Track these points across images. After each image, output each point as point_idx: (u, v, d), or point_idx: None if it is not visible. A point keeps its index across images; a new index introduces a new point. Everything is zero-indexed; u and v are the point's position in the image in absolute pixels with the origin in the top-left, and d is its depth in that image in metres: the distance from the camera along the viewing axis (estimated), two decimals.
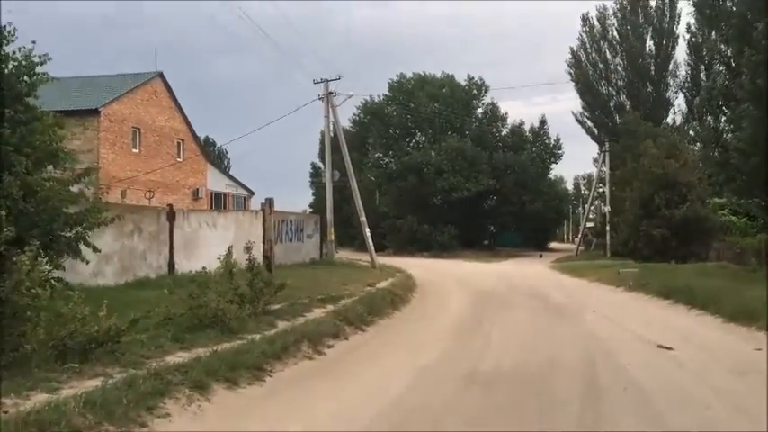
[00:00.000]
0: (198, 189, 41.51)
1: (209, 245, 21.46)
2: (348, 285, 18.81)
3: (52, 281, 9.08)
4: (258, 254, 25.28)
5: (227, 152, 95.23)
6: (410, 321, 14.79)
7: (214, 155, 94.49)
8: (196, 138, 42.13)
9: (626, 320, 14.37)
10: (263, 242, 25.96)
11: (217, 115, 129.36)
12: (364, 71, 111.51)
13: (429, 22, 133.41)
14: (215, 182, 45.37)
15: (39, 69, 11.09)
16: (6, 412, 5.70)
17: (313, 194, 71.89)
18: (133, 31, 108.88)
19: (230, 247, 12.12)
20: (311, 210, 61.44)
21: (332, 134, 31.43)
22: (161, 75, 38.61)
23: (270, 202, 17.29)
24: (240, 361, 8.28)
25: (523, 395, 8.02)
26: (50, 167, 11.78)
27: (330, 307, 14.06)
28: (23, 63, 10.88)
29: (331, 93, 30.80)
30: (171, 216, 19.57)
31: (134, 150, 35.98)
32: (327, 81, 30.96)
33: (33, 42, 11.11)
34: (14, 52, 10.94)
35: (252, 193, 51.94)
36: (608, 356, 10.48)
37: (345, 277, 21.40)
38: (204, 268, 20.14)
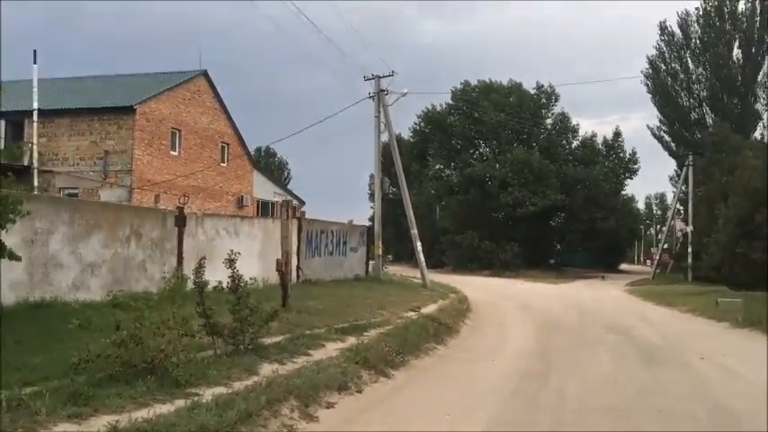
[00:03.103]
0: (243, 197, 38.96)
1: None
2: (385, 309, 15.45)
3: None
4: (291, 270, 22.66)
5: (287, 163, 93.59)
6: (454, 363, 11.27)
7: (274, 165, 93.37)
8: (242, 142, 39.57)
9: (753, 374, 10.37)
10: (297, 253, 23.12)
11: (283, 129, 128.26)
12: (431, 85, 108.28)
13: (495, 40, 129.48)
14: (262, 190, 42.78)
15: None
16: None
17: (372, 207, 69.00)
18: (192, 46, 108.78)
19: (202, 260, 8.92)
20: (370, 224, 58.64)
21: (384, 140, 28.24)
22: (205, 73, 36.30)
23: (288, 204, 14.17)
24: None
25: None
26: None
27: (350, 341, 10.74)
28: None
29: (383, 90, 27.63)
30: (180, 220, 16.59)
31: (173, 152, 33.62)
32: (379, 77, 27.82)
33: None
34: None
35: (303, 203, 49.25)
36: None
37: (386, 298, 18.04)
38: (220, 283, 17.74)
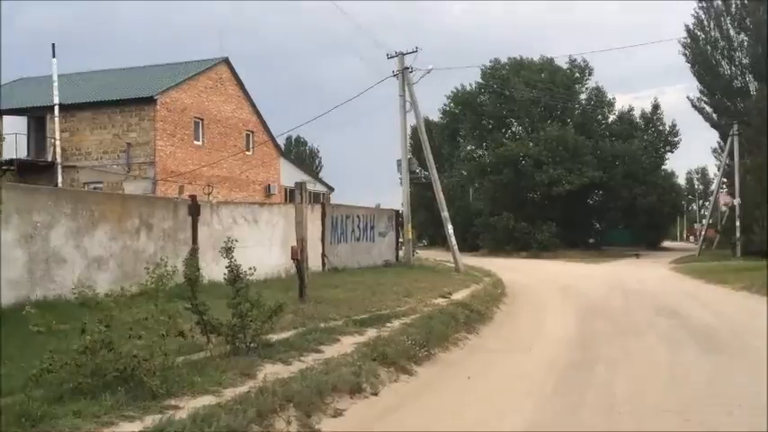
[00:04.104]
0: (270, 185, 38.15)
1: (248, 245, 17.58)
2: (413, 297, 14.36)
3: None
4: (316, 258, 21.67)
5: (318, 151, 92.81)
6: (486, 355, 10.11)
7: (306, 154, 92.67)
8: (268, 130, 38.67)
9: None
10: (321, 240, 22.11)
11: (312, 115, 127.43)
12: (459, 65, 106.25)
13: (525, 17, 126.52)
14: (290, 177, 41.83)
15: None
16: None
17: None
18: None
19: (194, 248, 7.92)
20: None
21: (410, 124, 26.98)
22: (226, 60, 35.45)
23: (302, 186, 13.11)
24: None
25: None
26: None
27: (370, 333, 9.68)
28: None
29: (407, 68, 26.37)
30: (194, 209, 15.70)
31: (196, 143, 32.91)
32: (403, 54, 26.56)
33: None
34: None
35: (332, 189, 48.35)
36: None
37: (416, 285, 16.95)
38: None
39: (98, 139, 31.14)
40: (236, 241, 8.38)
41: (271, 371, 7.06)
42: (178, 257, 14.67)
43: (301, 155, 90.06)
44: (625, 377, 8.38)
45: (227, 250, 7.90)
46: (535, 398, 7.38)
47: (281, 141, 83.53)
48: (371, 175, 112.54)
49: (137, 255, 14.10)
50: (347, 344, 8.85)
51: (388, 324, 10.56)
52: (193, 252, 7.77)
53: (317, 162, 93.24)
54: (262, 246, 18.10)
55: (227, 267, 7.90)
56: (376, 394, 7.25)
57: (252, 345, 7.74)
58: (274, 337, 8.51)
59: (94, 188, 29.57)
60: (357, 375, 7.27)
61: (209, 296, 11.20)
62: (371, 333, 9.70)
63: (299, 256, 12.21)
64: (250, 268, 8.01)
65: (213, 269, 16.57)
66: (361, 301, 12.78)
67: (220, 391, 6.14)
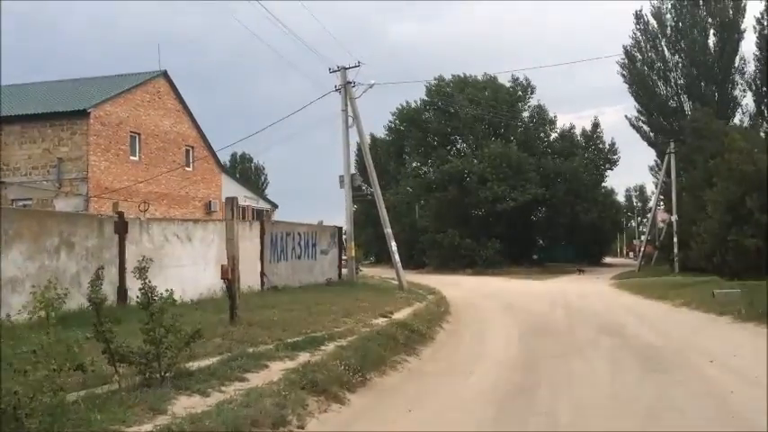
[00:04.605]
0: (210, 201, 37.08)
1: (181, 264, 16.80)
2: (352, 317, 13.82)
3: None
4: (254, 277, 20.91)
5: (263, 168, 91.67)
6: (425, 380, 9.61)
7: (251, 171, 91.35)
8: (209, 144, 37.68)
9: None
10: (260, 258, 21.36)
11: (257, 135, 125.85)
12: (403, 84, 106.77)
13: (465, 40, 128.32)
14: (232, 194, 40.74)
15: None
16: None
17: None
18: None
19: (100, 269, 7.22)
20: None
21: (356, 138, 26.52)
22: (165, 73, 34.43)
23: (233, 201, 12.48)
24: None
25: None
26: None
27: (302, 357, 9.09)
28: None
29: (349, 82, 25.97)
30: (121, 226, 14.85)
31: (132, 158, 31.74)
32: (345, 69, 26.17)
33: None
34: None
35: (275, 207, 47.53)
36: None
37: (356, 304, 16.38)
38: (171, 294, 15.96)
39: (27, 154, 29.70)
40: (152, 261, 7.69)
41: (185, 404, 6.42)
42: (104, 278, 13.82)
43: (246, 171, 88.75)
44: (568, 402, 8.00)
45: (141, 270, 7.21)
46: (473, 427, 6.91)
47: (226, 157, 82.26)
48: (319, 192, 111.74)
49: (56, 275, 13.14)
50: (275, 370, 8.26)
51: (323, 347, 9.99)
52: (98, 273, 6.98)
53: (262, 179, 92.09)
54: (196, 265, 17.32)
55: (140, 290, 7.21)
56: (302, 427, 6.67)
57: (167, 375, 7.06)
58: (195, 365, 7.85)
59: (24, 205, 28.15)
60: (281, 407, 6.68)
61: (137, 320, 10.51)
62: (304, 357, 9.12)
63: (229, 275, 11.53)
64: (166, 290, 7.34)
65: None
66: (296, 323, 12.16)
67: (122, 430, 5.48)
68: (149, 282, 7.22)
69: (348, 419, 7.20)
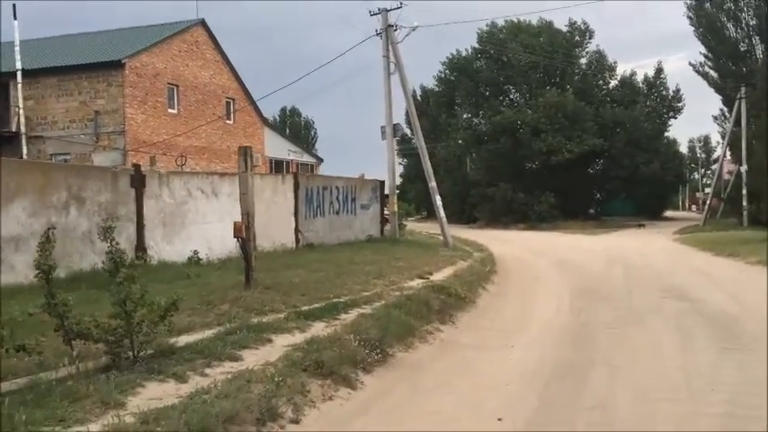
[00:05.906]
0: (252, 155, 36.04)
1: (206, 221, 15.75)
2: (384, 278, 12.51)
3: None
4: (287, 234, 19.79)
5: (313, 122, 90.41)
6: (457, 355, 8.25)
7: (300, 125, 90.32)
8: (250, 97, 36.54)
9: None
10: (294, 214, 20.22)
11: (308, 89, 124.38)
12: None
13: None
14: (275, 148, 39.90)
15: None
16: None
17: (400, 164, 65.29)
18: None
19: (49, 230, 5.97)
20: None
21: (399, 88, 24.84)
22: (203, 22, 33.27)
23: (248, 151, 11.25)
24: None
25: None
26: None
27: (315, 328, 7.87)
28: None
29: (391, 26, 24.25)
30: (138, 180, 13.82)
31: (171, 110, 30.92)
32: (387, 11, 24.44)
33: None
34: None
35: (320, 160, 46.43)
36: None
37: (393, 263, 15.09)
38: (196, 253, 14.93)
39: (64, 107, 29.15)
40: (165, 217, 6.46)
41: (152, 394, 5.25)
42: (120, 235, 12.83)
43: (296, 126, 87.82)
44: (625, 386, 6.56)
45: (106, 230, 5.98)
46: (509, 421, 5.56)
47: (275, 111, 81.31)
48: (367, 146, 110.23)
49: (65, 233, 12.23)
50: (279, 345, 7.06)
51: (343, 315, 8.74)
52: (48, 234, 5.77)
53: (312, 133, 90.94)
54: (223, 222, 16.18)
55: (106, 253, 6.01)
56: (297, 422, 5.42)
57: (141, 354, 5.91)
58: (184, 340, 6.70)
59: (64, 160, 27.72)
60: (274, 395, 5.45)
61: (153, 280, 9.45)
62: (317, 328, 7.90)
63: (243, 234, 10.34)
64: (192, 251, 6.11)
65: (164, 249, 14.83)
66: (320, 286, 10.95)
67: None
68: (117, 243, 6.01)
69: (356, 410, 5.91)
